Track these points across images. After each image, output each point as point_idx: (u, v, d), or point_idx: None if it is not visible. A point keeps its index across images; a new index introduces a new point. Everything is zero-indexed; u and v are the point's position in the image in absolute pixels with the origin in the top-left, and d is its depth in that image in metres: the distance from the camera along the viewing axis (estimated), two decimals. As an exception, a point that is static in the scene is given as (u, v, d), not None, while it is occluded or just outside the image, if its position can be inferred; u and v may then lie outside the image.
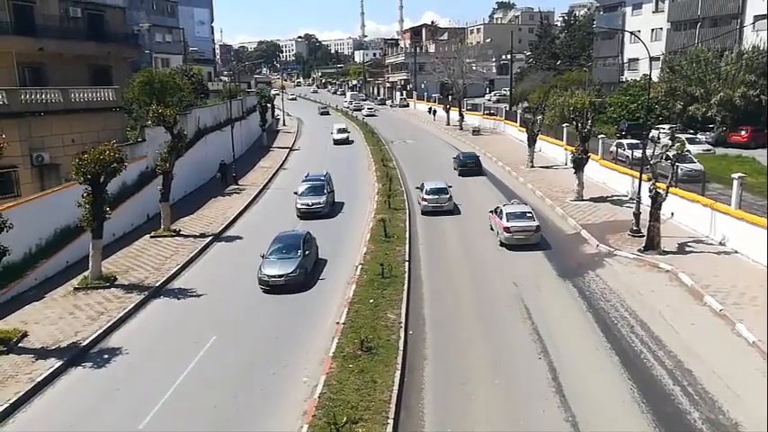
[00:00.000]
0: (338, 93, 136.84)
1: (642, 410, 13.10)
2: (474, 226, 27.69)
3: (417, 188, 32.56)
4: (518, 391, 14.10)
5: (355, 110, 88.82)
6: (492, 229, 26.00)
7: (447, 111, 69.21)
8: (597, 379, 14.49)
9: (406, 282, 20.53)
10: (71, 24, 34.81)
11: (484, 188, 35.87)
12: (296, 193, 31.64)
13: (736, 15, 49.45)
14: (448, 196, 30.42)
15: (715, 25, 51.37)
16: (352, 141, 57.12)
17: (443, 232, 27.52)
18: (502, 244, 24.28)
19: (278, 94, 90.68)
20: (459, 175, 38.60)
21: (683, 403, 13.29)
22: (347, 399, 13.36)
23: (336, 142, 56.10)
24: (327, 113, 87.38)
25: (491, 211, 26.54)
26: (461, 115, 65.95)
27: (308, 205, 30.34)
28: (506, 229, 23.99)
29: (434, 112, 77.39)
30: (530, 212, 24.95)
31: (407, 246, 24.55)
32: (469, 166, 38.95)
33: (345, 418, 12.09)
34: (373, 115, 79.45)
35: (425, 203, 30.34)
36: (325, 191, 31.22)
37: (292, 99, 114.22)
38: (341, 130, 57.72)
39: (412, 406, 13.63)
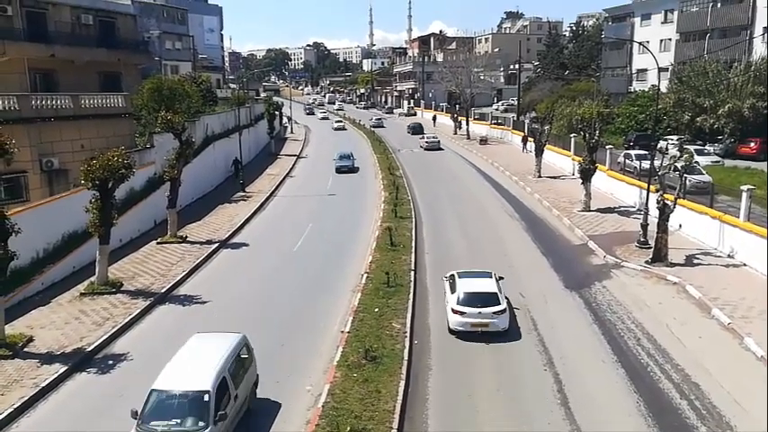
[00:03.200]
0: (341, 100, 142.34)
1: (648, 424, 12.98)
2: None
3: (371, 120, 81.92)
4: (523, 403, 13.99)
5: (319, 105, 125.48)
6: (420, 146, 57.11)
7: (455, 120, 69.28)
8: (603, 391, 14.37)
9: (411, 291, 20.47)
10: (83, 31, 35.15)
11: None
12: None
13: (746, 26, 49.36)
14: (382, 120, 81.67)
15: (724, 36, 51.29)
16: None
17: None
18: (425, 149, 55.51)
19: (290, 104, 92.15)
20: (412, 134, 67.41)
21: (690, 417, 13.16)
22: (351, 408, 13.28)
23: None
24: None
25: (420, 138, 60.30)
26: (459, 123, 68.04)
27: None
28: (426, 143, 57.20)
29: (434, 118, 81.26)
30: (437, 138, 58.81)
31: (413, 255, 24.52)
32: (416, 129, 68.34)
33: (349, 428, 12.02)
34: (341, 109, 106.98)
35: (374, 123, 78.51)
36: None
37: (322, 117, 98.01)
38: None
39: (416, 417, 13.55)
